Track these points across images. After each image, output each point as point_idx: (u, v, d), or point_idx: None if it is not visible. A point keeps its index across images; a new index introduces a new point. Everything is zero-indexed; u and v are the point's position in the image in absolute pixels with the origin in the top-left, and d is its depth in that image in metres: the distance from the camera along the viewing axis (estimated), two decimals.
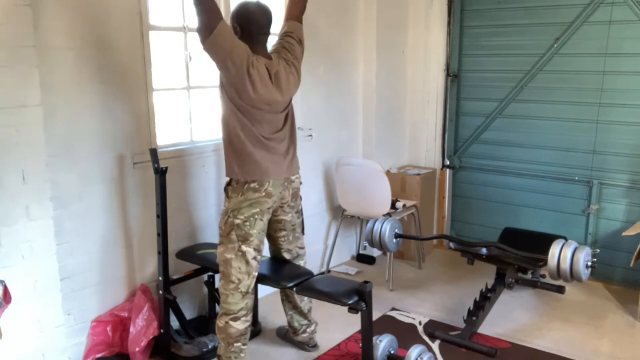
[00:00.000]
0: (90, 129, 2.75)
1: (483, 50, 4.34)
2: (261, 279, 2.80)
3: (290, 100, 2.74)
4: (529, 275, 3.76)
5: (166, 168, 2.83)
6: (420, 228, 4.29)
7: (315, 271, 4.05)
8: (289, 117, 2.75)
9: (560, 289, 3.71)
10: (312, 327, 3.10)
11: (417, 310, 3.59)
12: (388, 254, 3.83)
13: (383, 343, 2.79)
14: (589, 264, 2.90)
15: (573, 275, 2.90)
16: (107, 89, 2.79)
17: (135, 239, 3.02)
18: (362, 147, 4.46)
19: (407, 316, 3.51)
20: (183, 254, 3.12)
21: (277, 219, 2.81)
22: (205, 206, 3.34)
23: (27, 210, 2.35)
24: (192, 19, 2.41)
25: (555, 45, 3.97)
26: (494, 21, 4.24)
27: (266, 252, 2.94)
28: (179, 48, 3.12)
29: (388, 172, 4.36)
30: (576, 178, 4.04)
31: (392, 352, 2.84)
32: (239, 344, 2.70)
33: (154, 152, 2.83)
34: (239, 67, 2.44)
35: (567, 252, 2.90)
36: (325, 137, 4.12)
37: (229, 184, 2.65)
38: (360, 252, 4.52)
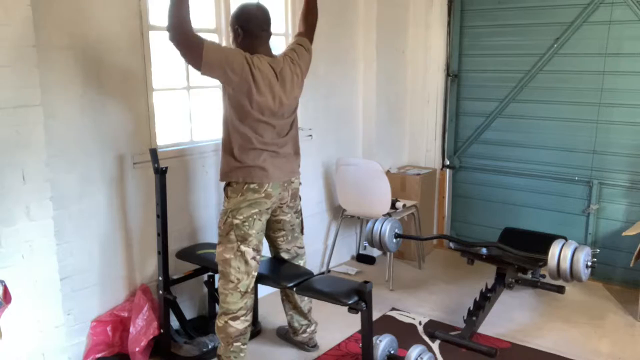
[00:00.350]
0: (90, 129, 2.75)
1: (483, 50, 4.34)
2: (261, 278, 2.80)
3: (296, 106, 2.75)
4: (529, 275, 3.76)
5: (166, 168, 2.83)
6: (420, 228, 4.29)
7: (315, 271, 4.05)
8: (294, 123, 2.76)
9: (560, 289, 3.71)
10: (312, 327, 3.10)
11: (417, 310, 3.59)
12: (388, 254, 3.83)
13: (383, 343, 2.79)
14: (589, 264, 2.90)
15: (573, 275, 2.90)
16: (107, 89, 2.79)
17: (135, 239, 3.02)
18: (362, 147, 4.46)
19: (407, 316, 3.51)
20: (183, 254, 3.12)
21: (276, 219, 2.81)
22: (205, 206, 3.34)
23: (27, 210, 2.35)
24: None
25: (555, 45, 3.97)
26: (494, 21, 4.25)
27: (267, 252, 2.95)
28: None
29: (388, 172, 4.36)
30: (576, 178, 4.04)
31: (392, 352, 2.84)
32: (239, 343, 2.70)
33: (154, 152, 2.84)
34: (240, 73, 2.45)
35: (567, 252, 2.90)
36: (325, 137, 4.12)
37: (228, 184, 2.65)
38: (360, 252, 4.52)
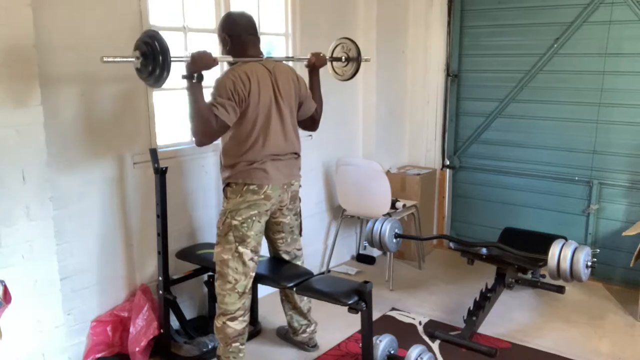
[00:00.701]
0: (90, 129, 2.75)
1: (483, 50, 4.34)
2: (261, 279, 2.80)
3: (296, 109, 2.76)
4: (529, 275, 3.76)
5: (166, 168, 2.83)
6: (420, 228, 4.29)
7: (315, 271, 4.05)
8: (294, 126, 2.76)
9: (560, 289, 3.71)
10: (312, 327, 3.11)
11: (417, 310, 3.59)
12: (388, 254, 3.83)
13: (383, 343, 2.79)
14: (589, 264, 2.90)
15: (573, 275, 2.90)
16: (107, 89, 2.79)
17: (135, 239, 3.02)
18: (362, 147, 4.46)
19: (407, 316, 3.51)
20: (183, 254, 3.12)
21: (276, 221, 2.82)
22: (205, 206, 3.34)
23: (27, 210, 2.35)
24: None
25: (555, 45, 3.97)
26: (494, 21, 4.25)
27: (265, 252, 2.95)
28: (179, 48, 3.12)
29: (388, 172, 4.36)
30: (576, 178, 4.04)
31: (392, 352, 2.84)
32: (237, 344, 2.70)
33: (154, 152, 2.84)
34: (242, 93, 2.49)
35: (567, 252, 2.90)
36: (325, 137, 4.11)
37: (228, 185, 2.65)
38: (360, 252, 4.52)
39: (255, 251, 2.66)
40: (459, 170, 4.64)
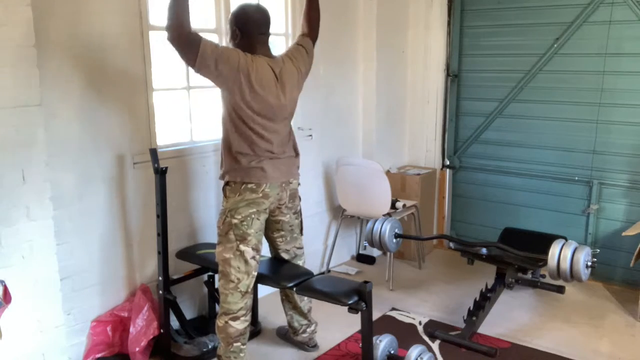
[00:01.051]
0: (90, 129, 2.75)
1: (483, 50, 4.34)
2: (261, 278, 2.80)
3: (294, 108, 2.75)
4: (529, 275, 3.76)
5: (166, 168, 2.83)
6: (420, 228, 4.29)
7: (315, 271, 4.05)
8: (290, 130, 2.76)
9: (560, 289, 3.71)
10: (312, 327, 3.11)
11: (417, 310, 3.59)
12: (388, 254, 3.83)
13: (383, 343, 2.79)
14: (589, 264, 2.90)
15: (573, 275, 2.90)
16: (107, 89, 2.79)
17: (135, 239, 3.02)
18: (362, 147, 4.46)
19: (407, 316, 3.51)
20: (183, 254, 3.12)
21: (275, 220, 2.82)
22: (205, 206, 3.34)
23: (27, 210, 2.35)
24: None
25: (555, 45, 3.97)
26: (494, 21, 4.25)
27: (267, 252, 2.95)
28: None
29: (388, 172, 4.36)
30: (576, 178, 4.04)
31: (392, 352, 2.84)
32: (239, 343, 2.70)
33: (154, 152, 2.84)
34: (233, 68, 2.44)
35: (567, 252, 2.90)
36: (325, 137, 4.12)
37: (227, 184, 2.65)
38: (360, 252, 4.52)
39: (256, 249, 2.66)
40: (459, 170, 4.64)
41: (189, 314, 3.27)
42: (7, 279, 2.19)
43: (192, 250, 3.14)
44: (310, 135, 3.98)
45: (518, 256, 3.26)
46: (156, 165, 2.81)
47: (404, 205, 4.07)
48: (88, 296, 2.84)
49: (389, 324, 3.38)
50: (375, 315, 3.13)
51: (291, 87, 2.65)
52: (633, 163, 3.79)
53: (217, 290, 2.86)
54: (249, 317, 2.73)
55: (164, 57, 3.06)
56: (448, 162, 4.64)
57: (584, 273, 2.89)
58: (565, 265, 2.89)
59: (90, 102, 2.73)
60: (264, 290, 3.43)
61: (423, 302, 3.73)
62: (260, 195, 2.61)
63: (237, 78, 2.46)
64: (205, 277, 3.22)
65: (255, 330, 3.25)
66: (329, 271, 4.23)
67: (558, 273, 2.94)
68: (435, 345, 3.15)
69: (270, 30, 2.66)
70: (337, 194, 4.16)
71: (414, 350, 2.72)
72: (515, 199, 4.33)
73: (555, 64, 4.00)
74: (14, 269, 2.32)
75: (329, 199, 4.28)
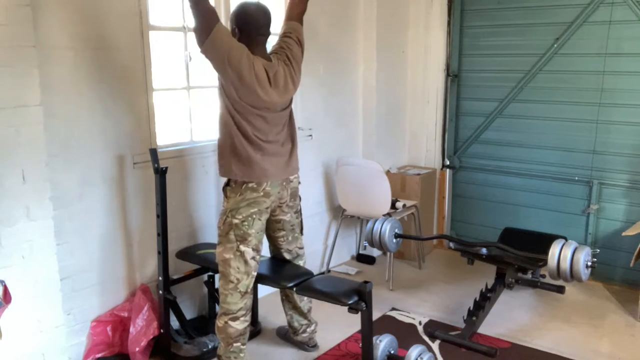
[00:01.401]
0: (90, 129, 2.75)
1: (483, 50, 4.34)
2: (261, 279, 2.80)
3: (291, 100, 2.74)
4: (529, 275, 3.76)
5: (166, 168, 2.83)
6: (420, 228, 4.29)
7: (315, 271, 4.05)
8: (289, 118, 2.75)
9: (560, 289, 3.71)
10: (312, 327, 3.11)
11: (417, 310, 3.59)
12: (388, 254, 3.83)
13: (383, 343, 2.79)
14: (589, 264, 2.90)
15: (573, 275, 2.90)
16: (107, 89, 2.79)
17: (135, 239, 3.02)
18: (362, 147, 4.46)
19: (407, 316, 3.51)
20: (183, 254, 3.12)
21: (276, 219, 2.81)
22: (205, 206, 3.34)
23: (27, 210, 2.35)
24: (190, 21, 2.39)
25: (555, 45, 3.97)
26: (494, 21, 4.24)
27: (267, 252, 2.95)
28: (179, 48, 3.12)
29: (388, 172, 4.36)
30: (576, 178, 4.04)
31: (392, 352, 2.84)
32: (239, 343, 2.70)
33: (154, 152, 2.84)
34: (236, 68, 2.44)
35: (567, 252, 2.90)
36: (325, 137, 4.12)
37: (227, 184, 2.65)
38: (360, 252, 4.52)
39: (256, 250, 2.66)
40: (459, 170, 4.64)
41: (189, 314, 3.27)
42: (7, 279, 2.19)
43: (192, 250, 3.14)
44: (310, 135, 3.98)
45: (518, 256, 3.26)
46: (156, 165, 2.81)
47: (404, 205, 4.07)
48: (88, 296, 2.84)
49: (389, 324, 3.38)
50: (375, 315, 3.13)
51: (285, 89, 2.63)
52: (633, 163, 3.79)
53: (217, 290, 2.86)
54: (248, 317, 2.73)
55: (164, 57, 3.06)
56: (448, 162, 4.64)
57: (584, 273, 2.89)
58: (565, 265, 2.89)
59: (90, 101, 2.72)
60: (264, 290, 3.43)
61: (423, 302, 3.73)
62: (262, 194, 2.61)
63: (238, 76, 2.45)
64: (205, 277, 3.22)
65: (255, 330, 3.25)
66: (329, 271, 4.23)
67: (558, 273, 2.94)
68: (435, 345, 3.15)
69: (270, 30, 2.66)
70: (337, 194, 4.16)
71: (414, 350, 2.72)
72: (515, 199, 4.33)
73: (555, 64, 4.00)
74: (14, 269, 2.33)
75: (329, 199, 4.28)
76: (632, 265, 3.49)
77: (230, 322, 2.66)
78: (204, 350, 2.97)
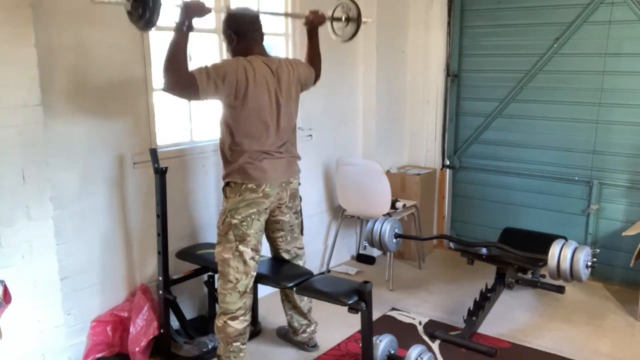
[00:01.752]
0: (90, 129, 2.75)
1: (483, 50, 4.34)
2: (261, 278, 2.80)
3: (296, 110, 2.76)
4: (529, 275, 3.76)
5: (166, 168, 2.83)
6: (420, 228, 4.29)
7: (315, 271, 4.05)
8: (293, 125, 2.76)
9: (560, 289, 3.71)
10: (312, 327, 3.11)
11: (417, 310, 3.59)
12: (388, 254, 3.83)
13: (383, 343, 2.79)
14: (589, 264, 2.90)
15: (573, 275, 2.90)
16: (107, 89, 2.79)
17: (135, 239, 3.02)
18: (362, 147, 4.46)
19: (407, 316, 3.51)
20: (183, 254, 3.12)
21: (275, 220, 2.82)
22: (205, 206, 3.34)
23: (27, 211, 2.35)
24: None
25: (555, 45, 3.97)
26: (494, 21, 4.25)
27: (267, 252, 2.95)
28: None
29: (388, 172, 4.36)
30: (576, 178, 4.04)
31: (392, 352, 2.84)
32: (238, 343, 2.70)
33: (154, 152, 2.84)
34: (233, 80, 2.45)
35: (567, 252, 2.90)
36: (325, 137, 4.12)
37: (227, 184, 2.65)
38: (360, 252, 4.52)
39: (255, 250, 2.66)
40: (459, 170, 4.64)
41: (189, 314, 3.27)
42: (7, 279, 2.19)
43: (192, 250, 3.14)
44: (310, 135, 3.98)
45: (518, 256, 3.26)
46: (156, 165, 2.81)
47: (404, 205, 4.07)
48: (88, 296, 2.84)
49: (389, 324, 3.38)
50: (375, 315, 3.13)
51: (288, 85, 2.66)
52: (633, 163, 3.79)
53: (217, 290, 2.86)
54: (248, 317, 2.73)
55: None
56: (448, 162, 4.64)
57: (584, 273, 2.89)
58: (565, 265, 2.89)
59: (90, 102, 2.73)
60: (264, 290, 3.43)
61: (423, 302, 3.73)
62: (261, 195, 2.61)
63: (239, 86, 2.48)
64: (205, 277, 3.22)
65: (255, 330, 3.25)
66: (329, 271, 4.23)
67: (558, 273, 2.94)
68: (435, 345, 3.15)
69: (265, 31, 2.69)
70: (337, 194, 4.16)
71: (414, 350, 2.72)
72: (515, 199, 4.33)
73: (555, 64, 4.00)
74: (14, 269, 2.33)
75: (329, 199, 4.28)
76: (632, 265, 3.49)
77: (230, 322, 2.66)
78: (204, 350, 2.98)
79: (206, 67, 2.42)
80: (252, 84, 2.50)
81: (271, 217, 2.78)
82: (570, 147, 4.03)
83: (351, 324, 3.14)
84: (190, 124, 3.25)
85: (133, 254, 3.03)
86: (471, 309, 3.26)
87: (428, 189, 4.51)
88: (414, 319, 3.48)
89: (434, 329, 3.29)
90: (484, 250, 3.35)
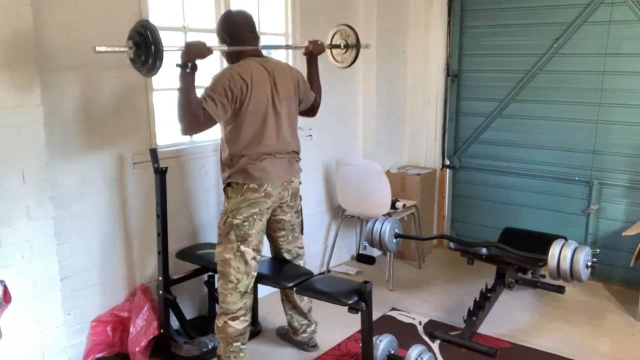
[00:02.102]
0: (90, 129, 2.75)
1: (483, 50, 4.34)
2: (261, 278, 2.80)
3: (295, 107, 2.77)
4: (529, 275, 3.76)
5: (166, 168, 2.83)
6: (420, 228, 4.29)
7: (315, 271, 4.05)
8: (294, 123, 2.76)
9: (560, 289, 3.71)
10: (312, 327, 3.11)
11: (417, 310, 3.59)
12: (388, 254, 3.83)
13: (383, 343, 2.79)
14: (589, 264, 2.90)
15: (573, 275, 2.90)
16: (107, 89, 2.79)
17: (135, 239, 3.02)
18: (362, 147, 4.46)
19: (407, 316, 3.51)
20: (183, 254, 3.12)
21: (276, 219, 2.82)
22: (205, 206, 3.34)
23: (27, 211, 2.36)
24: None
25: (555, 45, 3.97)
26: (494, 21, 4.25)
27: (267, 252, 2.95)
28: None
29: (388, 172, 4.36)
30: (576, 178, 4.04)
31: (392, 352, 2.84)
32: (238, 343, 2.70)
33: (154, 152, 2.84)
34: (241, 91, 2.49)
35: (567, 252, 2.90)
36: (325, 137, 4.12)
37: (228, 185, 2.65)
38: (360, 252, 4.52)
39: (257, 250, 2.66)
40: (459, 170, 4.64)
41: (189, 314, 3.27)
42: (7, 279, 2.19)
43: (192, 250, 3.14)
44: (310, 135, 3.98)
45: (518, 256, 3.26)
46: (156, 165, 2.81)
47: (404, 205, 4.07)
48: (88, 296, 2.84)
49: (389, 324, 3.38)
50: (375, 315, 3.13)
51: (285, 83, 2.66)
52: (633, 163, 3.79)
53: (217, 290, 2.86)
54: (248, 317, 2.73)
55: (164, 57, 3.05)
56: (448, 162, 4.64)
57: (584, 273, 2.89)
58: (565, 265, 2.89)
59: (90, 102, 2.73)
60: (264, 290, 3.43)
61: (423, 302, 3.73)
62: (262, 194, 2.61)
63: (242, 95, 2.50)
64: (205, 277, 3.22)
65: (255, 330, 3.25)
66: (329, 271, 4.23)
67: (558, 273, 2.94)
68: (435, 345, 3.15)
69: (265, 31, 2.69)
70: (337, 194, 4.16)
71: (414, 350, 2.72)
72: (515, 199, 4.33)
73: (555, 64, 4.00)
74: (14, 269, 2.33)
75: (329, 199, 4.28)
76: (632, 265, 3.49)
77: (230, 322, 2.66)
78: (204, 350, 2.98)
79: (207, 93, 2.45)
80: (250, 87, 2.51)
81: (272, 216, 2.78)
82: (570, 147, 4.03)
83: (351, 324, 3.14)
84: None
85: (133, 254, 3.03)
86: (471, 309, 3.26)
87: (428, 189, 4.51)
88: (414, 319, 3.48)
89: (434, 329, 3.29)
90: (484, 250, 3.35)
